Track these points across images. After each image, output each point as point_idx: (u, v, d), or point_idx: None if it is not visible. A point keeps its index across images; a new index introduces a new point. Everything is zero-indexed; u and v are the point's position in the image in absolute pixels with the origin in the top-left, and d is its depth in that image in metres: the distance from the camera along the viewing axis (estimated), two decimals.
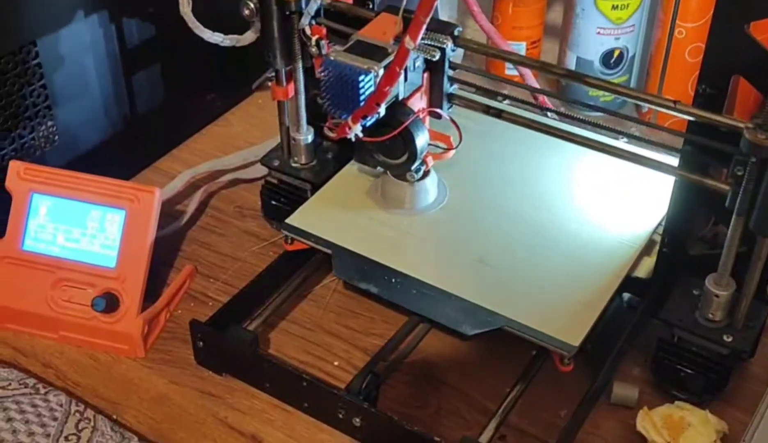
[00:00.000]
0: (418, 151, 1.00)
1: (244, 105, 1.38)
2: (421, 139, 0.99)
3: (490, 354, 1.02)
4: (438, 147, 1.03)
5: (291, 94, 1.07)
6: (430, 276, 0.98)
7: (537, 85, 1.22)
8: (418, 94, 0.99)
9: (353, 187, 1.08)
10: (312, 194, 1.08)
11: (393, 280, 0.98)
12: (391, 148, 1.00)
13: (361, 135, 0.95)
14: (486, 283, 0.97)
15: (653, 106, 0.92)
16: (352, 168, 1.10)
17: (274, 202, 1.15)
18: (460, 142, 1.00)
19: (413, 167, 1.02)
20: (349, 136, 0.95)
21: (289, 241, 1.04)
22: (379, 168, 1.03)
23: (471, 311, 0.94)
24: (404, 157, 1.01)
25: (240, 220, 1.20)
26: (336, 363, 1.02)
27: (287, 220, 1.04)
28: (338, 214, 1.05)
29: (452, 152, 1.02)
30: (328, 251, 1.02)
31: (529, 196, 1.07)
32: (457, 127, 1.00)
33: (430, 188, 1.06)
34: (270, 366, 0.97)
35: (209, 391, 1.00)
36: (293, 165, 1.12)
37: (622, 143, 1.05)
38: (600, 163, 1.09)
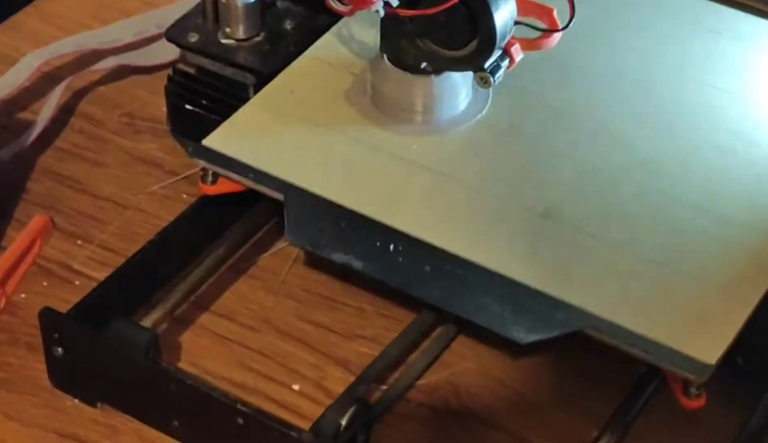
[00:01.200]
0: (498, 34, 0.83)
1: None
2: (503, 13, 0.84)
3: (560, 377, 0.86)
4: (533, 27, 0.87)
5: None
6: (456, 243, 0.80)
7: None
8: None
9: (322, 84, 0.92)
10: (256, 92, 0.94)
11: (391, 248, 0.82)
12: (449, 29, 0.85)
13: (394, 4, 0.84)
14: (554, 256, 0.80)
15: None
16: (323, 50, 0.96)
17: (189, 107, 0.98)
18: (571, 20, 0.85)
19: (488, 62, 0.84)
20: (374, 9, 0.84)
21: (209, 178, 0.85)
22: (425, 65, 0.87)
23: (528, 303, 0.78)
24: (472, 45, 0.84)
25: (130, 139, 1.03)
26: (296, 387, 0.85)
27: (205, 141, 0.87)
28: (296, 132, 0.89)
29: (557, 37, 0.87)
30: (279, 196, 0.84)
31: (633, 108, 0.90)
32: None
33: (459, 85, 0.90)
34: (181, 391, 0.82)
35: (74, 435, 0.84)
36: (224, 41, 0.95)
37: None
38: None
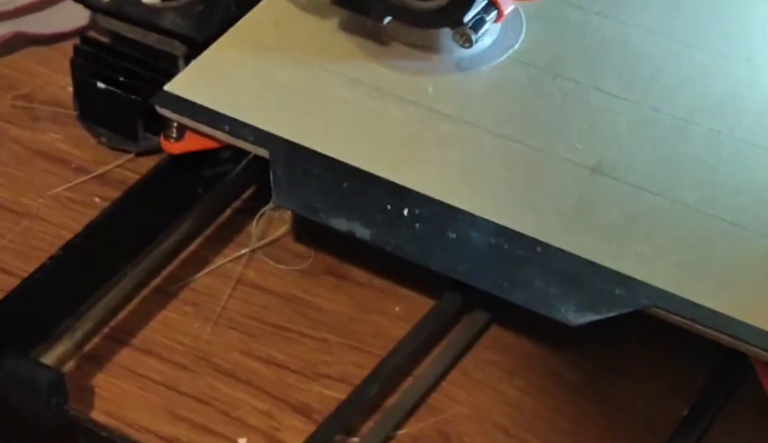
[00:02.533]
0: None
1: None
2: None
3: (582, 419, 0.74)
4: None
5: None
6: (486, 205, 0.72)
7: None
8: None
9: (314, 12, 0.83)
10: (186, 65, 0.83)
11: (406, 213, 0.72)
12: None
13: None
14: (610, 219, 0.71)
15: None
16: None
17: (101, 86, 0.88)
18: None
19: (468, 15, 0.76)
20: None
21: (173, 134, 0.75)
22: (389, 20, 0.78)
23: (579, 277, 0.69)
24: None
25: (26, 128, 0.93)
26: (243, 442, 0.74)
27: (168, 85, 0.77)
28: (282, 71, 0.79)
29: None
30: (262, 152, 0.74)
31: (703, 38, 0.81)
32: None
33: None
34: None
35: None
36: (146, 0, 0.88)
37: None
38: None
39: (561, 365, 0.81)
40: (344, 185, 0.75)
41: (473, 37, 0.79)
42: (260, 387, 0.79)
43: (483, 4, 0.80)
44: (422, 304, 0.81)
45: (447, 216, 0.74)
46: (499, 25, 0.83)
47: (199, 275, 0.84)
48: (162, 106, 0.79)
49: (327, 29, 0.85)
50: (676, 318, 0.69)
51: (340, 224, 0.73)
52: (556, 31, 0.84)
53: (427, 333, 0.80)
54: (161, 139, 0.80)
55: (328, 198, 0.75)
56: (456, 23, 0.79)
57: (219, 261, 0.85)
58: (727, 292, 0.70)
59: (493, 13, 0.79)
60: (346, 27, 0.84)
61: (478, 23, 0.79)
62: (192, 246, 0.86)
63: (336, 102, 0.79)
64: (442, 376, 0.79)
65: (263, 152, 0.76)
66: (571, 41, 0.83)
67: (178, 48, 0.87)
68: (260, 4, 0.87)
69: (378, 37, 0.83)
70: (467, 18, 0.79)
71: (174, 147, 0.78)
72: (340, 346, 0.81)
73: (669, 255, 0.71)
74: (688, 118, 0.79)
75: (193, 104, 0.79)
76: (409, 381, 0.78)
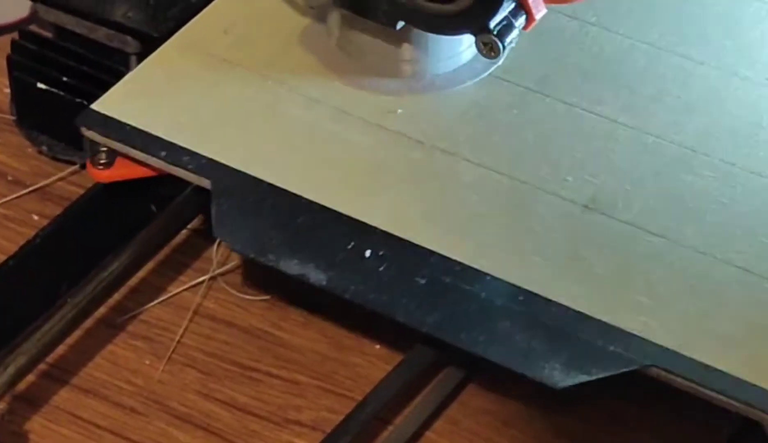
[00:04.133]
0: None
1: None
2: None
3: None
4: None
5: None
6: (461, 246, 0.66)
7: None
8: None
9: (270, 19, 0.77)
10: (139, 63, 0.78)
11: (368, 254, 0.67)
12: None
13: None
14: (604, 264, 0.66)
15: None
16: None
17: (42, 87, 0.83)
18: None
19: (494, 21, 0.70)
20: None
21: (102, 159, 0.70)
22: (402, 25, 0.73)
23: (567, 331, 0.64)
24: None
25: None
26: None
27: (96, 104, 0.71)
28: (230, 87, 0.72)
29: None
30: (204, 182, 0.69)
31: (712, 54, 0.75)
32: None
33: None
34: None
35: None
36: None
37: None
38: None
39: (563, 416, 0.76)
40: (298, 221, 0.70)
41: (500, 46, 0.75)
42: (220, 434, 0.75)
43: (510, 7, 0.76)
44: (407, 342, 0.77)
45: (416, 258, 0.69)
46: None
47: (150, 305, 0.80)
48: (88, 127, 0.75)
49: (285, 39, 0.80)
50: (679, 380, 0.65)
51: (292, 267, 0.68)
52: (547, 45, 0.81)
53: (408, 378, 0.77)
54: (88, 164, 0.77)
55: (279, 236, 0.70)
56: (480, 29, 0.74)
57: (174, 289, 0.81)
58: (738, 351, 0.65)
59: (522, 19, 0.75)
60: (306, 37, 0.80)
61: (505, 29, 0.74)
62: (142, 273, 0.81)
63: (291, 124, 0.74)
64: (426, 425, 0.76)
65: (205, 182, 0.72)
66: (563, 57, 0.79)
67: (131, 44, 0.83)
68: (208, 7, 0.83)
69: (342, 49, 0.79)
70: (493, 23, 0.74)
71: (102, 175, 0.74)
72: (313, 389, 0.77)
73: (671, 307, 0.67)
74: (697, 147, 0.75)
75: (124, 125, 0.74)
76: (388, 430, 0.74)
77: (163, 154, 0.72)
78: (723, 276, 0.69)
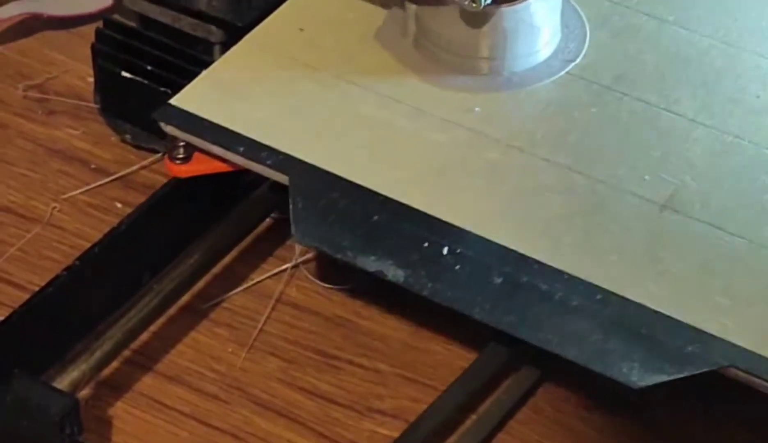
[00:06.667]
0: None
1: None
2: None
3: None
4: None
5: None
6: (539, 245, 0.66)
7: None
8: None
9: (344, 18, 0.78)
10: (224, 53, 0.79)
11: (445, 251, 0.67)
12: None
13: None
14: (683, 264, 0.66)
15: None
16: None
17: (126, 76, 0.84)
18: None
19: None
20: None
21: (180, 154, 0.70)
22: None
23: (645, 331, 0.64)
24: None
25: (40, 123, 0.88)
26: None
27: (174, 99, 0.72)
28: (306, 86, 0.74)
29: None
30: (281, 178, 0.70)
31: None
32: None
33: (542, 19, 0.75)
34: None
35: None
36: None
37: None
38: None
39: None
40: (375, 218, 0.71)
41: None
42: (303, 422, 0.76)
43: None
44: (488, 331, 0.75)
45: (492, 256, 0.70)
46: (558, 34, 0.80)
47: (233, 293, 0.81)
48: (167, 122, 0.76)
49: (360, 38, 0.81)
50: (758, 381, 0.65)
51: (369, 264, 0.69)
52: (625, 43, 0.81)
53: (491, 370, 0.77)
54: (166, 159, 0.78)
55: (356, 233, 0.71)
56: None
57: (256, 277, 0.81)
58: None
59: None
60: (381, 35, 0.80)
61: None
62: (226, 260, 0.82)
63: (368, 122, 0.75)
64: (510, 414, 0.76)
65: (282, 178, 0.73)
66: (640, 55, 0.79)
67: (215, 34, 0.84)
68: (282, 7, 0.84)
69: (418, 47, 0.79)
70: None
71: (181, 169, 0.74)
72: (395, 378, 0.77)
73: (751, 308, 0.67)
74: None
75: (203, 121, 0.75)
76: (471, 420, 0.74)
77: (242, 149, 0.73)
78: None
